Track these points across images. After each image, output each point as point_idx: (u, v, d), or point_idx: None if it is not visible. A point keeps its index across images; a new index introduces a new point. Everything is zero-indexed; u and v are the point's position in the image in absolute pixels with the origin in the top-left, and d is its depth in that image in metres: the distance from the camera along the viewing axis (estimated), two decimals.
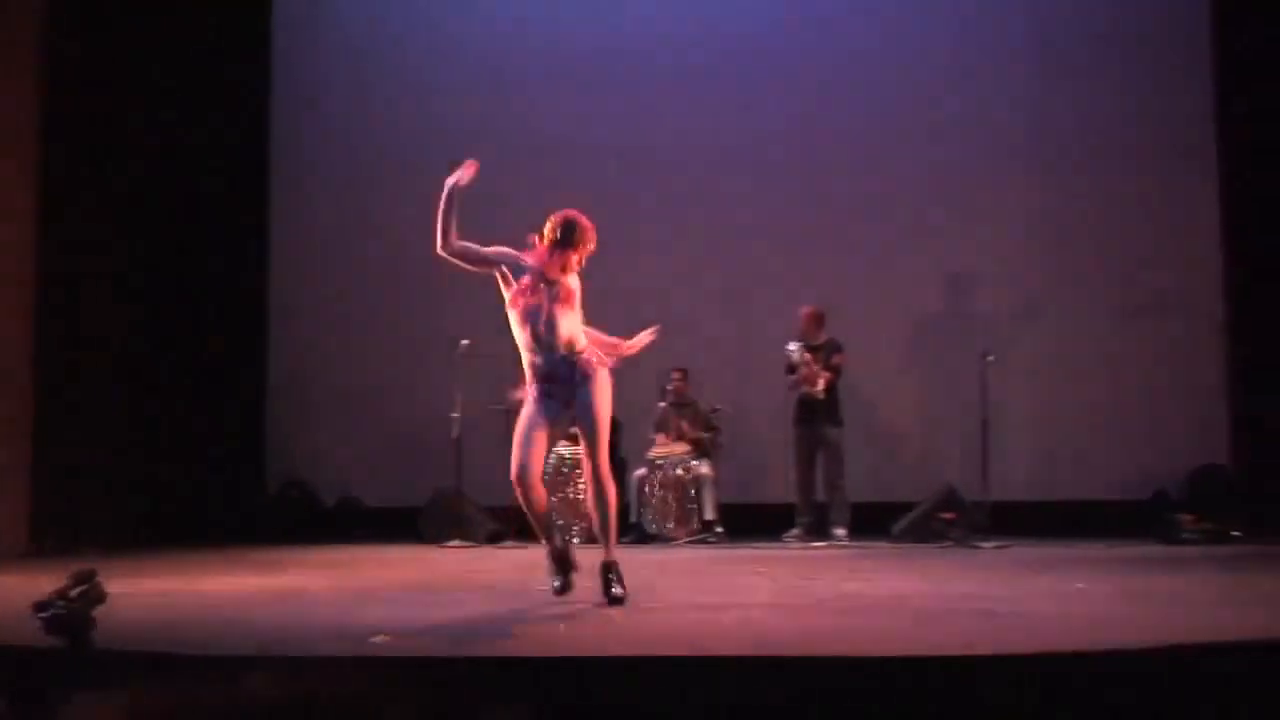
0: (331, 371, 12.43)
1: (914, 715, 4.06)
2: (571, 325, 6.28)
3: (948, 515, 10.30)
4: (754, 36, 12.31)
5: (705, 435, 11.18)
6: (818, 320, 10.84)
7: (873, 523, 10.62)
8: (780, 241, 12.00)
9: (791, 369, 10.77)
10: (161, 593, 6.86)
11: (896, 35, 12.14)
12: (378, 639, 4.81)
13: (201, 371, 11.92)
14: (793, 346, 10.69)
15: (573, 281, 6.32)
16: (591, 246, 6.31)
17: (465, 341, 10.74)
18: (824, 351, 10.74)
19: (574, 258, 6.28)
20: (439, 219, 6.27)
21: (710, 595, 6.80)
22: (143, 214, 11.40)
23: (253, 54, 12.73)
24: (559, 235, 6.25)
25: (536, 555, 9.63)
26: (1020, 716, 4.04)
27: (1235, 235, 11.30)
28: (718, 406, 11.24)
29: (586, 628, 5.44)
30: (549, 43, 12.53)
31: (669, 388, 11.27)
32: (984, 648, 4.47)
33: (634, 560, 9.13)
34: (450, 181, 6.25)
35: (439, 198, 6.24)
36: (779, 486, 11.07)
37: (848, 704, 4.11)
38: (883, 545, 10.17)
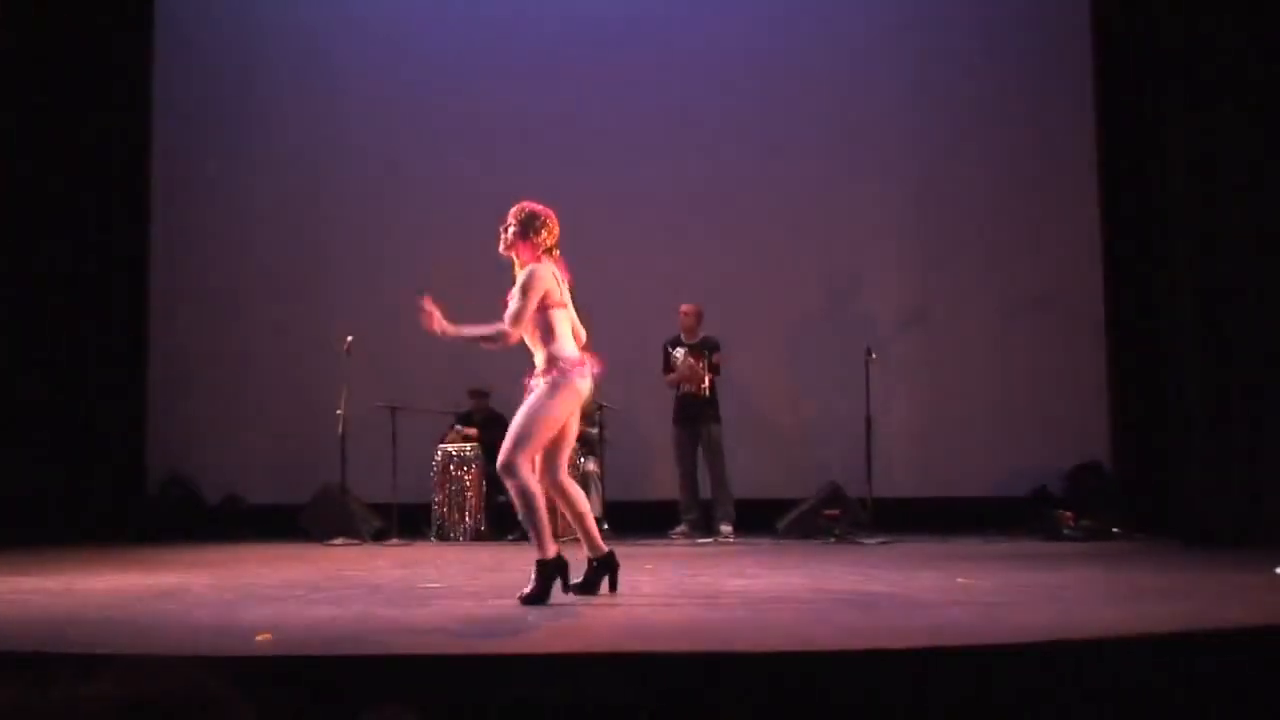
0: (215, 367, 12.25)
1: (795, 710, 4.09)
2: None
3: (832, 512, 10.42)
4: (627, 24, 12.31)
5: (591, 431, 11.18)
6: (698, 318, 10.92)
7: (758, 520, 10.71)
8: (662, 237, 12.03)
9: (669, 367, 10.84)
10: (37, 590, 6.72)
11: (777, 30, 12.21)
12: (261, 638, 4.76)
13: (80, 367, 11.69)
14: (678, 351, 10.75)
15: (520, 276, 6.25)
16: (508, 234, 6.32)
17: (350, 338, 10.67)
18: (704, 349, 10.81)
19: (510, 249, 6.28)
20: (482, 342, 6.23)
21: (596, 592, 6.80)
22: (16, 205, 11.15)
23: (135, 43, 12.48)
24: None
25: (421, 553, 9.61)
26: (899, 711, 4.10)
27: (1115, 233, 11.51)
28: (604, 404, 11.25)
29: (472, 626, 5.42)
30: (412, 20, 12.45)
31: None
32: (865, 642, 4.53)
33: (518, 558, 9.13)
34: (440, 331, 6.13)
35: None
36: (665, 483, 11.12)
37: (725, 699, 4.14)
38: (768, 542, 10.26)
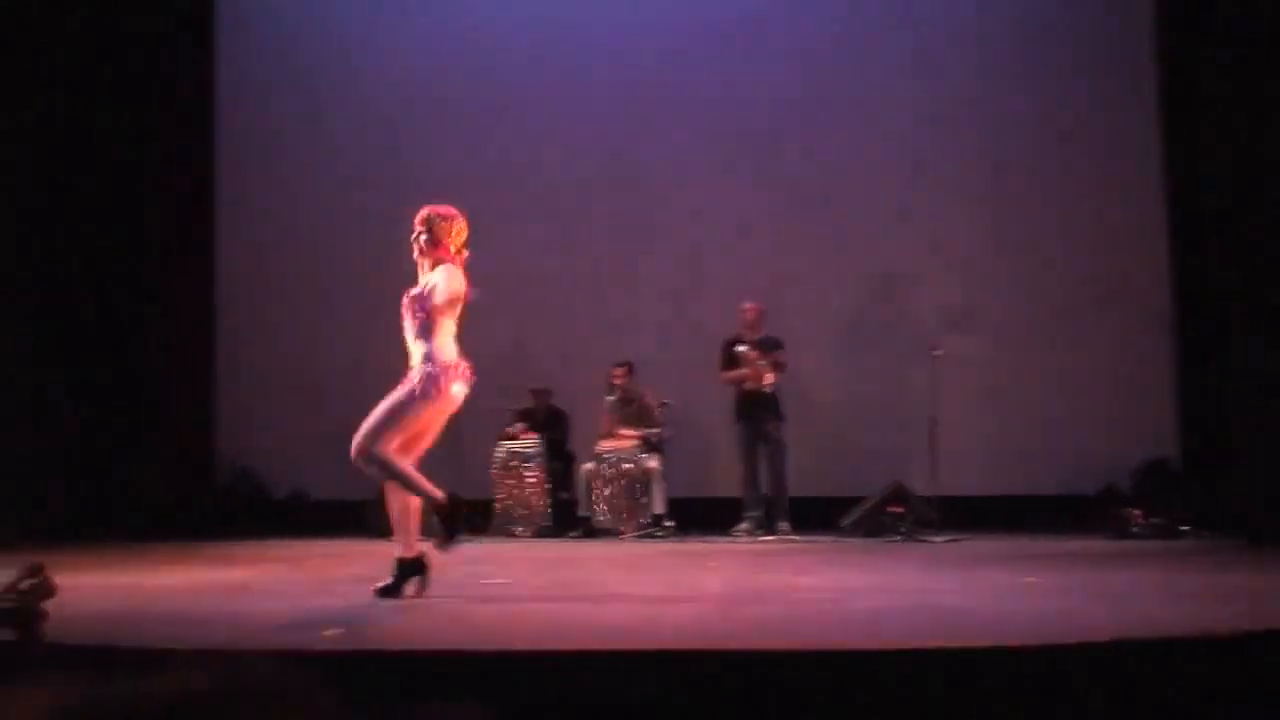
0: (280, 362, 12.34)
1: (865, 709, 4.07)
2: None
3: (896, 509, 10.36)
4: (698, 28, 12.29)
5: (653, 430, 11.19)
6: (760, 316, 10.89)
7: (820, 517, 10.66)
8: (727, 235, 12.00)
9: (728, 365, 10.82)
10: (111, 586, 6.81)
11: (840, 32, 12.15)
12: (329, 633, 4.80)
13: (149, 363, 11.82)
14: (743, 349, 10.74)
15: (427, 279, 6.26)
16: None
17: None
18: (766, 348, 10.78)
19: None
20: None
21: (660, 589, 6.81)
22: (87, 206, 11.30)
23: (198, 48, 12.59)
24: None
25: (483, 549, 9.65)
26: (967, 711, 4.07)
27: (1182, 230, 11.39)
28: (665, 401, 11.25)
29: (538, 622, 5.44)
30: (483, 32, 12.47)
31: (613, 382, 11.27)
32: (933, 641, 4.50)
33: (582, 554, 9.15)
34: None
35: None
36: (728, 481, 11.09)
37: (797, 698, 4.13)
38: (831, 540, 10.22)
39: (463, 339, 6.38)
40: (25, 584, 3.80)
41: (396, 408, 6.17)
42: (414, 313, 6.21)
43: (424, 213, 6.38)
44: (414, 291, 6.26)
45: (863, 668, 4.21)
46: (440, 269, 6.23)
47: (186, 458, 12.09)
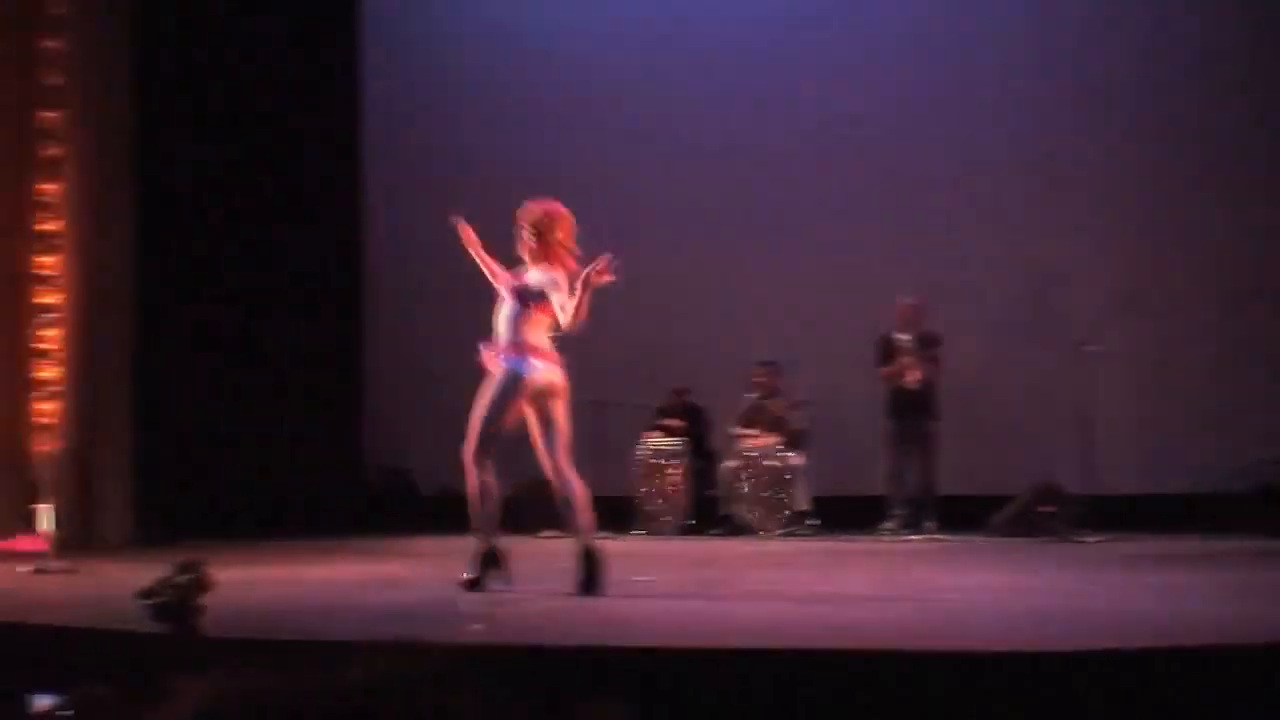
0: (430, 361, 12.50)
1: (1015, 712, 4.01)
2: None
3: (1047, 508, 10.16)
4: (839, 18, 12.20)
5: (796, 426, 11.13)
6: (918, 312, 10.75)
7: (968, 516, 10.50)
8: (875, 230, 11.88)
9: (883, 360, 10.70)
10: (264, 580, 6.96)
11: (985, 17, 11.97)
12: (475, 627, 4.85)
13: (301, 361, 12.06)
14: (905, 336, 10.61)
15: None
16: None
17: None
18: (925, 344, 10.65)
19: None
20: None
21: (802, 588, 6.78)
22: (240, 204, 11.57)
23: (344, 44, 12.81)
24: None
25: (627, 546, 9.69)
26: (1121, 714, 3.99)
27: None
28: (804, 399, 11.17)
29: (682, 619, 5.44)
30: (626, 38, 12.50)
31: (755, 380, 11.23)
32: (1085, 644, 4.41)
33: (726, 552, 9.15)
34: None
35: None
36: (873, 478, 10.99)
37: (944, 700, 4.08)
38: (979, 539, 10.06)
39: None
40: (182, 579, 3.90)
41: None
42: (520, 300, 6.44)
43: (534, 212, 6.52)
44: (526, 282, 6.48)
45: (1005, 670, 4.15)
46: (559, 274, 6.40)
47: (337, 456, 12.31)
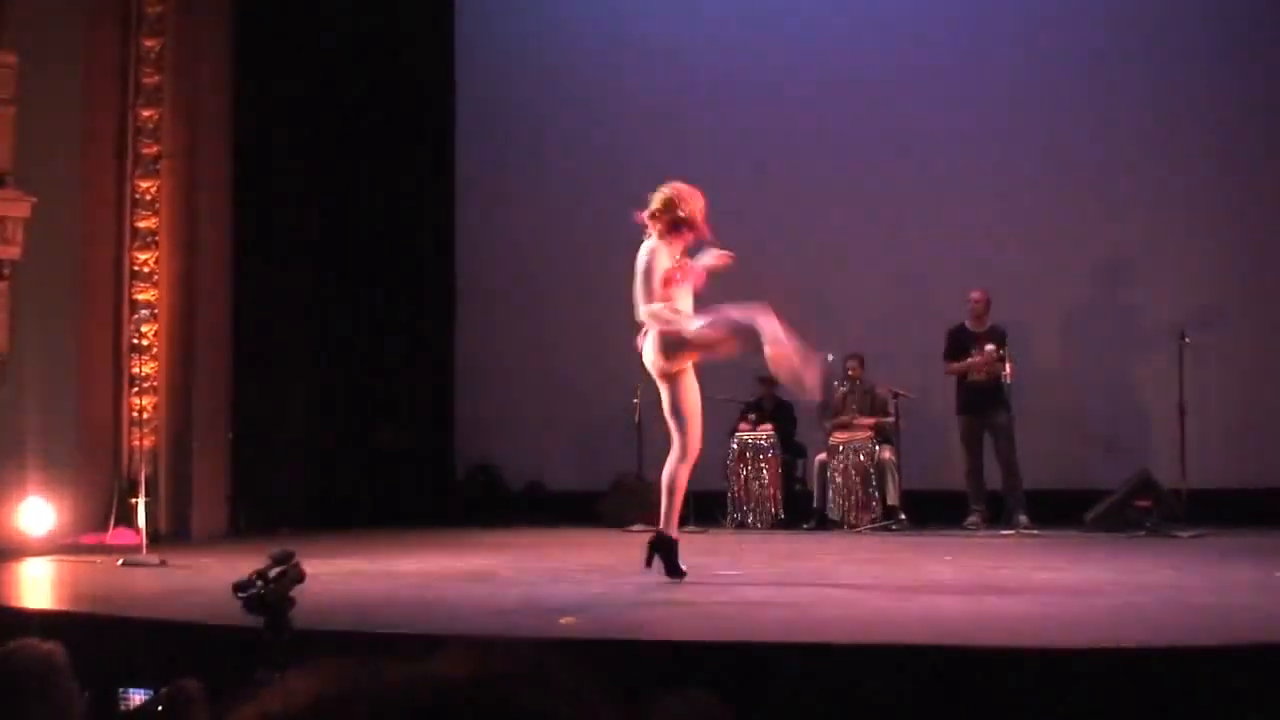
0: (517, 356, 12.57)
1: (1092, 707, 3.96)
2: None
3: (1144, 503, 9.99)
4: (908, 17, 12.10)
5: (886, 420, 11.03)
6: (987, 305, 10.66)
7: (1060, 510, 10.36)
8: (957, 223, 11.74)
9: (954, 355, 10.59)
10: (355, 573, 7.03)
11: (1076, 19, 11.81)
12: (565, 620, 4.86)
13: (391, 356, 12.17)
14: (990, 346, 10.49)
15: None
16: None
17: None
18: (994, 337, 10.53)
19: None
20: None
21: (897, 581, 6.72)
22: (335, 203, 11.69)
23: (439, 38, 12.89)
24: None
25: (717, 541, 9.67)
26: (1226, 710, 3.92)
27: None
28: (899, 391, 11.07)
29: (766, 613, 5.42)
30: (721, 33, 12.46)
31: (847, 373, 11.15)
32: (1182, 640, 4.34)
33: (816, 547, 9.11)
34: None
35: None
36: (960, 473, 10.90)
37: (1038, 697, 4.03)
38: (1073, 533, 9.90)
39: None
40: (275, 571, 3.93)
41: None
42: (690, 280, 6.49)
43: (669, 192, 6.47)
44: (688, 262, 6.49)
45: (1097, 666, 4.09)
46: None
47: (428, 451, 12.40)
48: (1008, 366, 10.40)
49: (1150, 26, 11.63)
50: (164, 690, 3.66)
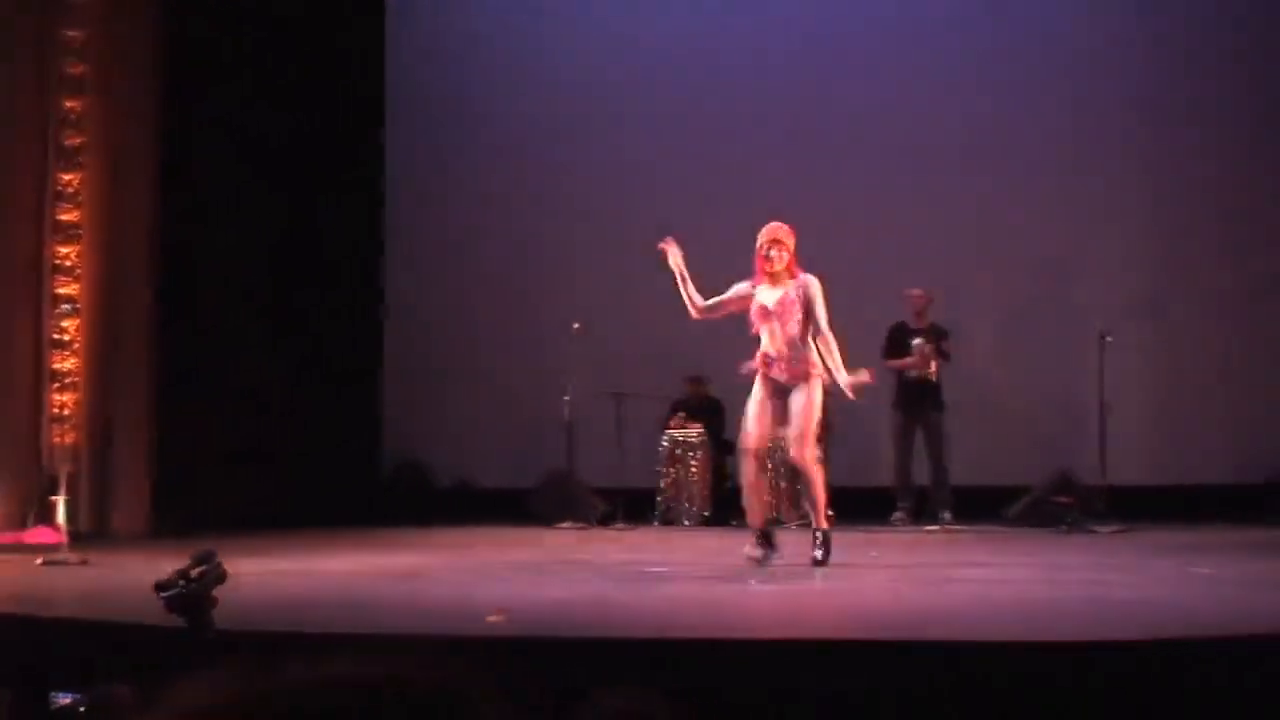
0: (446, 354, 12.52)
1: (1025, 701, 4.00)
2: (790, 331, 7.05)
3: (1064, 499, 10.12)
4: (849, 18, 12.18)
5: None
6: (927, 303, 10.75)
7: (982, 506, 10.48)
8: (886, 222, 11.81)
9: (891, 352, 10.67)
10: (280, 573, 6.96)
11: (1005, 21, 11.93)
12: (493, 618, 4.85)
13: (317, 354, 12.07)
14: (916, 340, 10.58)
15: (789, 291, 7.08)
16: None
17: (576, 325, 10.73)
18: (935, 335, 10.64)
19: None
20: (683, 295, 7.30)
21: (822, 579, 6.77)
22: (262, 198, 11.57)
23: (369, 28, 12.79)
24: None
25: (646, 537, 9.69)
26: (1143, 705, 3.97)
27: None
28: (827, 391, 11.10)
29: (696, 609, 5.44)
30: (684, 28, 12.46)
31: None
32: (1106, 635, 4.40)
33: (742, 543, 9.12)
34: (673, 264, 7.21)
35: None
36: (886, 469, 10.99)
37: (961, 690, 4.07)
38: (995, 529, 10.03)
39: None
40: (196, 570, 3.89)
41: (816, 406, 7.14)
42: (793, 317, 7.03)
43: (775, 233, 7.18)
44: (780, 298, 7.08)
45: (1030, 660, 4.13)
46: (806, 279, 7.14)
47: (354, 449, 12.32)
48: (933, 364, 10.51)
49: (1069, 25, 11.78)
50: (90, 693, 3.61)
